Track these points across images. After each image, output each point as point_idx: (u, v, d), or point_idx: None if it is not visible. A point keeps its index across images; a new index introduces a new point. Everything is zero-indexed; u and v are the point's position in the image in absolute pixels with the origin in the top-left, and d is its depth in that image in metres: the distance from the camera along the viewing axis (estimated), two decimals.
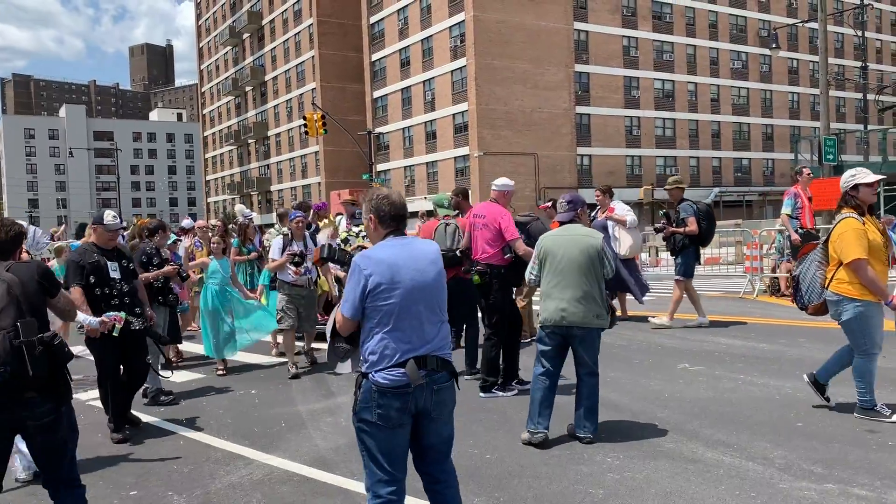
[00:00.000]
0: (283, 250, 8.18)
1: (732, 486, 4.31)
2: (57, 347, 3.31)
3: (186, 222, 12.68)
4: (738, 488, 4.27)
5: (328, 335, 3.46)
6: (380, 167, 55.23)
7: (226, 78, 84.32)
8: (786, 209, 11.62)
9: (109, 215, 6.08)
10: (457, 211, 8.79)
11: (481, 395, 6.75)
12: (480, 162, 48.41)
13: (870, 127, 37.63)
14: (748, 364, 7.58)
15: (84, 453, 5.40)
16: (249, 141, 79.98)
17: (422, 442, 3.30)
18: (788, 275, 13.41)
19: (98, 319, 5.46)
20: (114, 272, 5.96)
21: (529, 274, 5.50)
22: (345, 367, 3.45)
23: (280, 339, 9.14)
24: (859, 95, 55.21)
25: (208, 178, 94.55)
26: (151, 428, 6.31)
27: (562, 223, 5.49)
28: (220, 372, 8.43)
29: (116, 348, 5.85)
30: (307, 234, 8.55)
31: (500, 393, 6.79)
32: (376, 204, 3.31)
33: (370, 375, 3.14)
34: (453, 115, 51.13)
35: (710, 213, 9.98)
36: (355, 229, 8.33)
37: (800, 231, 11.36)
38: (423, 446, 3.31)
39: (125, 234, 13.09)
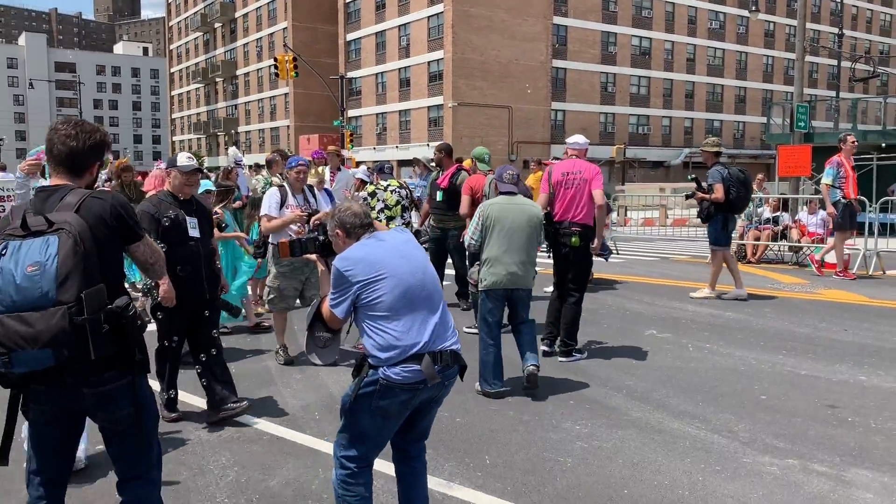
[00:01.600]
0: (282, 205, 6.56)
1: (698, 458, 4.41)
2: (128, 320, 2.62)
3: (163, 166, 12.39)
4: (703, 461, 4.36)
5: (307, 323, 3.35)
6: (351, 113, 54.42)
7: (194, 13, 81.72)
8: (826, 178, 10.97)
9: (184, 156, 5.08)
10: (439, 168, 8.65)
11: (562, 359, 6.55)
12: (454, 112, 47.96)
13: (842, 94, 37.94)
14: (714, 333, 7.71)
15: None
16: (217, 79, 78.04)
17: (413, 426, 3.30)
18: (755, 242, 13.62)
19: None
20: (193, 230, 4.96)
21: (471, 239, 5.77)
22: (325, 357, 3.36)
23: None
24: (833, 62, 55.50)
25: (174, 116, 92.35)
26: None
27: (505, 193, 5.76)
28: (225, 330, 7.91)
29: (185, 319, 5.03)
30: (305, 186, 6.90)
31: (579, 356, 6.69)
32: (340, 218, 3.28)
33: (381, 370, 3.05)
34: (428, 62, 50.36)
35: (744, 179, 9.25)
36: (383, 183, 7.66)
37: (843, 201, 10.77)
38: (412, 428, 3.31)
39: (104, 173, 12.64)
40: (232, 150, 10.83)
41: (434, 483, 4.06)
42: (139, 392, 2.79)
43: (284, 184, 6.79)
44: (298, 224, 6.40)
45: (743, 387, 5.84)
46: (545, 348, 6.71)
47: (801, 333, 7.69)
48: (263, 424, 5.09)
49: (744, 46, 62.65)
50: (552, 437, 4.78)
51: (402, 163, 50.61)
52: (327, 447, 4.64)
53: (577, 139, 7.07)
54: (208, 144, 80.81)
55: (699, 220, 10.08)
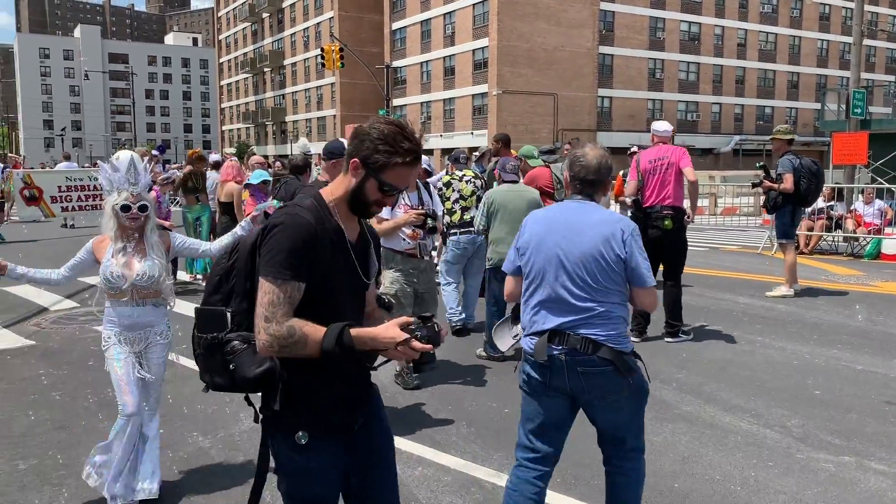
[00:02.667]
0: (395, 204, 5.38)
1: (750, 454, 4.36)
2: (228, 358, 2.15)
3: (215, 156, 12.69)
4: (755, 456, 4.32)
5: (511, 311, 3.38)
6: (396, 102, 54.56)
7: (243, 3, 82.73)
8: None
9: (342, 143, 4.55)
10: (496, 158, 8.57)
11: (668, 340, 6.96)
12: (499, 100, 47.73)
13: None
14: (766, 326, 7.58)
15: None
16: (265, 69, 78.98)
17: (595, 424, 3.11)
18: (808, 232, 13.30)
19: None
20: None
21: (480, 224, 6.46)
22: (504, 343, 3.29)
23: None
24: (892, 45, 53.70)
25: (223, 105, 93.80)
26: (174, 366, 6.41)
27: (508, 182, 6.43)
28: None
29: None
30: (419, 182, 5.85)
31: (685, 337, 7.02)
32: (570, 161, 3.12)
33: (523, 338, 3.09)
34: (473, 50, 50.16)
35: (816, 170, 8.79)
36: (458, 173, 7.19)
37: None
38: (597, 429, 3.13)
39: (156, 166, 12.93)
40: (302, 140, 10.62)
41: (483, 473, 4.11)
42: (272, 448, 2.25)
43: None
44: (412, 227, 5.48)
45: (796, 381, 5.75)
46: (634, 339, 6.79)
47: (856, 327, 7.52)
48: None
49: (797, 30, 60.90)
50: None
51: (445, 151, 50.70)
52: None
53: (661, 126, 7.23)
54: (256, 134, 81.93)
55: (765, 209, 9.76)
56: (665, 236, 6.75)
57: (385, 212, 5.57)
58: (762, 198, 9.43)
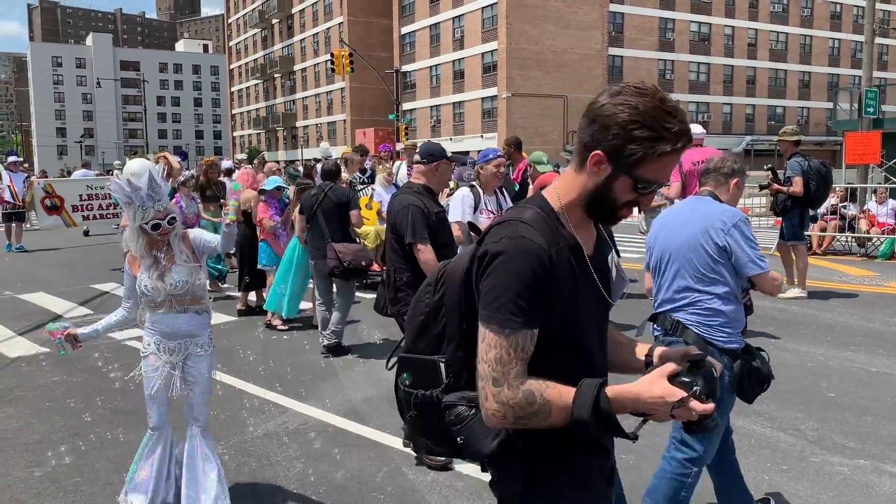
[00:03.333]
0: (476, 210, 5.31)
1: (763, 457, 4.34)
2: (454, 428, 1.69)
3: (227, 163, 12.74)
4: (769, 460, 4.29)
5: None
6: (405, 106, 54.66)
7: (252, 9, 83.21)
8: None
9: (441, 146, 4.56)
10: (509, 162, 8.58)
11: None
12: (508, 103, 47.74)
13: None
14: (779, 328, 7.53)
15: (125, 397, 5.54)
16: (275, 75, 79.36)
17: None
18: (822, 233, 13.22)
19: None
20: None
21: None
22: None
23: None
24: None
25: (234, 111, 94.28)
26: None
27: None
28: (281, 326, 7.99)
29: None
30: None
31: None
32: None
33: None
34: (482, 54, 50.19)
35: (824, 173, 8.76)
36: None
37: None
38: None
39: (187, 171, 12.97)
40: (323, 144, 10.49)
41: None
42: None
43: (475, 184, 5.47)
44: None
45: (810, 384, 5.71)
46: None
47: (871, 329, 7.46)
48: (327, 416, 5.21)
49: (808, 29, 60.57)
50: None
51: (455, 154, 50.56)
52: (390, 440, 4.73)
53: (696, 128, 7.39)
54: (267, 139, 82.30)
55: (772, 212, 9.73)
56: None
57: (468, 217, 5.12)
58: (771, 199, 9.39)
